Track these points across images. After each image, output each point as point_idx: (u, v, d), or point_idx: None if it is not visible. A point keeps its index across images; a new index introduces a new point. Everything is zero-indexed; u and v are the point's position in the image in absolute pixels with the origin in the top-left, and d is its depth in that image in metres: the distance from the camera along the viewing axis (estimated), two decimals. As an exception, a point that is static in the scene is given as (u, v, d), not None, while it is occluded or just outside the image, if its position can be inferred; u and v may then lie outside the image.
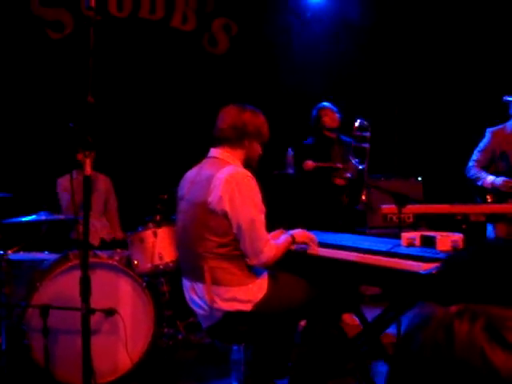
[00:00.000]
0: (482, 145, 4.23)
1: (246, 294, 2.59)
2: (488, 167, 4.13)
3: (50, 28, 5.14)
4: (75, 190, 2.49)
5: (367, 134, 4.24)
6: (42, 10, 5.09)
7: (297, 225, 2.94)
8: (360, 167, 4.18)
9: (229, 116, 2.69)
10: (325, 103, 4.65)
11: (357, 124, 4.23)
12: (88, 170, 2.10)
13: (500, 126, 4.18)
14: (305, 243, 2.83)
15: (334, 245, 2.82)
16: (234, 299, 2.58)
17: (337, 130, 4.58)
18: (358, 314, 3.27)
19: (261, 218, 2.56)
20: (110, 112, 5.13)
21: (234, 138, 2.66)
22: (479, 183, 4.11)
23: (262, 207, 2.59)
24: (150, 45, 5.45)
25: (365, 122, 4.20)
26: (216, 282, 2.58)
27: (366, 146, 4.22)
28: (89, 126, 2.05)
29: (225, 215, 2.54)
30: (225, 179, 2.54)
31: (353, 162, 4.24)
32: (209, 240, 2.57)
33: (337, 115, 4.56)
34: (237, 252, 2.58)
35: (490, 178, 4.07)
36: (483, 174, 4.13)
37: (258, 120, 2.71)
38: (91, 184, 2.17)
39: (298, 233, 2.81)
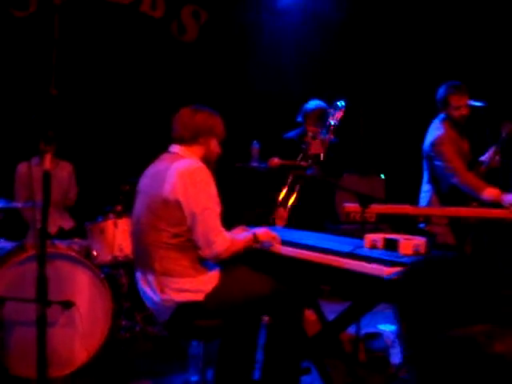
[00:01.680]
0: None
1: (196, 284, 2.59)
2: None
3: (13, 7, 4.98)
4: (34, 177, 2.43)
5: (337, 113, 4.21)
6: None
7: (260, 219, 2.93)
8: (332, 140, 4.14)
9: (182, 118, 2.77)
10: (316, 106, 4.45)
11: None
12: (47, 164, 2.05)
13: None
14: (268, 242, 2.83)
15: (296, 243, 2.81)
16: (184, 289, 2.58)
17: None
18: (317, 310, 3.29)
19: (215, 209, 2.59)
20: (75, 99, 5.05)
21: (188, 137, 2.74)
22: None
23: (216, 200, 2.62)
24: (117, 29, 5.36)
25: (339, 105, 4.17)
26: (166, 273, 2.59)
27: (333, 140, 4.21)
28: (51, 120, 1.99)
29: (178, 205, 2.56)
30: (179, 171, 2.59)
31: (326, 135, 4.18)
32: (161, 230, 2.59)
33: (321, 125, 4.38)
34: (189, 243, 2.59)
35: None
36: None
37: (212, 120, 2.77)
38: (50, 178, 2.11)
39: (261, 231, 2.81)
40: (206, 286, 2.60)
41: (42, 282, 2.14)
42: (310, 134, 4.32)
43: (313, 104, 4.48)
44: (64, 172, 4.64)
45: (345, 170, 4.87)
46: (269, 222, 4.08)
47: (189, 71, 5.59)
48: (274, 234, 2.86)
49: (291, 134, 4.63)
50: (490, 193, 3.57)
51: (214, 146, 2.80)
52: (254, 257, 2.82)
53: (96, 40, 5.27)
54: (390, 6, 6.01)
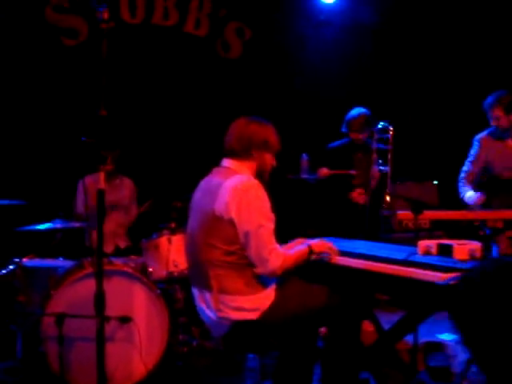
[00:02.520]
0: (471, 154, 4.20)
1: (253, 302, 2.57)
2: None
3: (64, 35, 5.16)
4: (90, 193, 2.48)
5: (388, 136, 4.20)
6: (57, 16, 5.11)
7: (313, 231, 2.91)
8: (383, 169, 4.13)
9: (235, 129, 2.72)
10: (360, 113, 4.49)
11: (379, 126, 4.18)
12: (102, 182, 2.10)
13: (486, 133, 4.17)
14: (324, 253, 2.80)
15: (350, 253, 2.80)
16: (241, 308, 2.57)
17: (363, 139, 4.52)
18: (374, 321, 3.25)
19: (268, 226, 2.55)
20: (126, 119, 5.18)
21: (240, 151, 2.68)
22: (463, 198, 4.10)
23: (270, 216, 2.59)
24: (163, 51, 5.45)
25: (386, 125, 4.16)
26: (222, 291, 2.57)
27: (389, 148, 4.18)
28: (102, 140, 2.05)
29: (231, 223, 2.54)
30: (232, 187, 2.56)
31: (376, 166, 4.19)
32: (215, 247, 2.57)
33: (366, 133, 4.45)
34: (244, 261, 2.57)
35: (468, 195, 4.06)
36: (465, 189, 4.13)
37: (265, 131, 2.72)
38: (104, 197, 2.17)
39: (317, 243, 2.78)
40: (262, 304, 2.57)
41: (100, 298, 2.20)
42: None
43: (355, 112, 4.49)
44: (126, 190, 4.75)
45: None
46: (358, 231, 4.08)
47: (235, 87, 5.63)
48: (330, 244, 2.83)
49: (336, 144, 4.65)
50: None
51: (269, 159, 2.74)
52: (309, 268, 2.80)
53: (144, 62, 5.38)
54: (429, 14, 5.92)
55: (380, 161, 4.15)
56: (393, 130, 4.14)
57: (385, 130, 4.16)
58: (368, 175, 4.24)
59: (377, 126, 4.27)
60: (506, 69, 5.47)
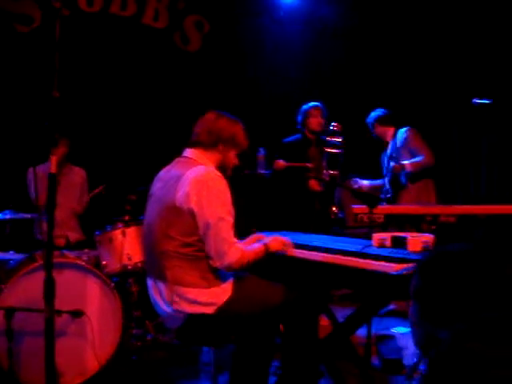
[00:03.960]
0: None
1: (208, 296, 2.55)
2: None
3: (17, 22, 5.03)
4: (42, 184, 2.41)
5: (339, 139, 4.29)
6: (10, 2, 4.98)
7: (269, 226, 2.91)
8: (331, 172, 4.24)
9: (205, 121, 2.71)
10: (317, 104, 4.72)
11: (329, 128, 4.27)
12: (53, 167, 2.04)
13: None
14: (280, 251, 2.80)
15: (306, 245, 2.81)
16: (196, 301, 2.54)
17: (318, 133, 4.68)
18: (329, 315, 3.27)
19: (228, 220, 2.53)
20: (82, 109, 5.08)
21: (208, 143, 2.67)
22: None
23: (230, 209, 2.56)
24: (121, 41, 5.38)
25: (336, 128, 4.24)
26: (177, 282, 2.54)
27: (339, 151, 4.27)
28: (55, 122, 1.99)
29: (191, 214, 2.50)
30: (194, 178, 2.52)
31: (325, 171, 4.32)
32: (173, 238, 2.54)
33: (323, 120, 4.64)
34: (200, 253, 2.54)
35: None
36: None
37: (234, 128, 2.71)
38: (55, 182, 2.11)
39: (273, 242, 2.77)
40: (218, 299, 2.55)
41: (49, 290, 2.13)
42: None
43: (311, 103, 4.70)
44: (77, 177, 4.67)
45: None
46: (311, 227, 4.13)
47: (193, 80, 5.59)
48: (286, 240, 2.83)
49: (290, 138, 4.78)
50: None
51: (233, 157, 2.73)
52: (265, 261, 2.77)
53: (102, 52, 5.30)
54: (394, 14, 6.00)
55: (328, 165, 4.28)
56: (343, 133, 4.23)
57: (335, 132, 4.24)
58: (322, 169, 4.35)
59: (329, 126, 4.36)
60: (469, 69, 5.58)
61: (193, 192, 2.49)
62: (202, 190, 2.49)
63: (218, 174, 2.59)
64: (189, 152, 2.71)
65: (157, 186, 2.70)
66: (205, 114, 2.74)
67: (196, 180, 2.51)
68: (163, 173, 2.72)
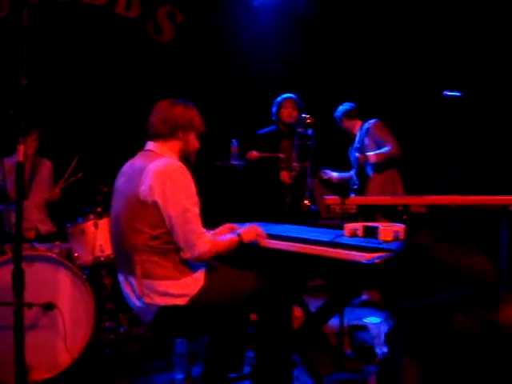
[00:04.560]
0: None
1: (180, 288, 2.54)
2: None
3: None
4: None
5: (310, 132, 4.30)
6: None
7: (242, 217, 2.91)
8: (302, 164, 4.27)
9: (160, 110, 2.69)
10: (291, 96, 4.72)
11: (301, 120, 4.28)
12: (21, 156, 2.00)
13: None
14: (254, 242, 2.80)
15: (279, 236, 2.81)
16: (167, 294, 2.53)
17: (290, 125, 4.68)
18: (302, 304, 3.28)
19: (194, 210, 2.52)
20: (51, 99, 5.00)
21: (166, 132, 2.66)
22: None
23: (195, 200, 2.55)
24: (93, 30, 5.32)
25: (307, 120, 4.26)
26: (147, 276, 2.52)
27: (309, 143, 4.28)
28: (23, 110, 1.95)
29: (156, 206, 2.49)
30: (156, 170, 2.51)
31: (294, 163, 4.36)
32: (140, 232, 2.52)
33: (296, 112, 4.65)
34: (169, 246, 2.53)
35: None
36: None
37: (190, 113, 2.70)
38: (24, 171, 2.07)
39: (246, 232, 2.77)
40: (190, 290, 2.54)
41: (18, 279, 2.09)
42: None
43: (284, 95, 4.71)
44: (45, 169, 4.60)
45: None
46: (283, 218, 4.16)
47: (166, 71, 5.55)
48: (259, 231, 2.82)
49: (264, 130, 4.78)
50: None
51: (193, 140, 2.72)
52: (238, 251, 2.77)
53: (72, 41, 5.23)
54: (365, 5, 6.03)
55: (299, 157, 4.31)
56: (314, 124, 4.24)
57: (306, 124, 4.25)
58: (292, 160, 4.39)
59: (301, 118, 4.37)
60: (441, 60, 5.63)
61: (156, 184, 2.48)
62: (165, 182, 2.48)
63: (181, 165, 2.58)
64: (150, 145, 2.69)
65: (121, 181, 2.69)
66: (157, 104, 2.72)
67: (159, 172, 2.50)
68: (126, 167, 2.71)
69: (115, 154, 4.41)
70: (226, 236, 2.73)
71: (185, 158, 2.70)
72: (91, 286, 3.46)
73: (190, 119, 2.69)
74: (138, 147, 2.77)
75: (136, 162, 2.66)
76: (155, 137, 2.68)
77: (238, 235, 2.72)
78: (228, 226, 2.96)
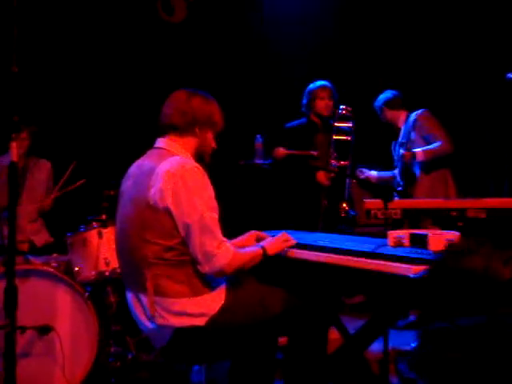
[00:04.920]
0: None
1: (198, 306, 2.54)
2: None
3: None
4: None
5: (350, 124, 4.28)
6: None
7: (269, 224, 2.91)
8: (340, 163, 4.27)
9: (176, 101, 2.72)
10: (326, 84, 4.70)
11: (338, 112, 4.26)
12: (14, 154, 2.03)
13: None
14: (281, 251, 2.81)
15: (311, 246, 2.82)
16: (183, 313, 2.53)
17: (325, 117, 4.68)
18: (338, 325, 3.27)
19: (212, 216, 2.52)
20: (48, 92, 5.07)
21: (182, 125, 2.68)
22: None
23: (213, 204, 2.55)
24: (98, 11, 5.39)
25: (345, 112, 4.24)
26: (160, 293, 2.53)
27: (349, 138, 4.26)
28: (15, 101, 1.98)
29: (168, 213, 2.50)
30: (167, 172, 2.52)
31: (332, 161, 4.36)
32: (151, 243, 2.53)
33: (332, 103, 4.65)
34: (185, 257, 2.54)
35: None
36: None
37: (210, 107, 2.73)
38: (18, 172, 2.10)
39: (272, 244, 2.77)
40: (209, 308, 2.55)
41: (10, 298, 2.12)
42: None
43: (318, 82, 4.67)
44: (43, 172, 4.66)
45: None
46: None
47: (177, 56, 5.59)
48: (286, 241, 2.83)
49: (294, 123, 4.77)
50: None
51: (210, 138, 2.75)
52: (264, 263, 2.77)
53: (77, 24, 5.31)
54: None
55: (337, 155, 4.30)
56: (354, 117, 4.22)
57: (345, 116, 4.23)
58: (329, 159, 4.38)
59: (338, 109, 4.36)
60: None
61: (167, 187, 2.49)
62: (177, 185, 2.49)
63: (197, 165, 2.59)
64: (161, 142, 2.72)
65: (127, 184, 2.70)
66: (173, 94, 2.75)
67: (170, 174, 2.51)
68: (133, 168, 2.73)
69: (122, 154, 4.46)
70: (248, 248, 2.74)
71: (199, 157, 2.73)
72: (94, 306, 3.49)
73: (210, 114, 2.71)
74: (148, 145, 2.79)
75: (145, 161, 2.68)
76: (169, 130, 2.70)
77: (262, 248, 2.71)
78: (254, 233, 2.97)
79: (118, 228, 2.74)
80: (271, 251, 2.74)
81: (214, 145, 2.78)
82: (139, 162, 2.72)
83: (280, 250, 2.79)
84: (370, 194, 4.19)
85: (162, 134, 2.72)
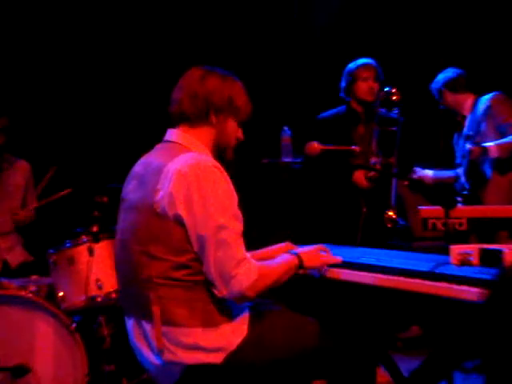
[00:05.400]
0: None
1: (214, 339, 2.52)
2: None
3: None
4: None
5: (396, 113, 4.26)
6: None
7: (298, 236, 2.89)
8: (386, 160, 4.28)
9: (188, 82, 2.71)
10: (370, 62, 4.71)
11: (384, 97, 4.31)
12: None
13: None
14: (320, 268, 2.80)
15: (352, 263, 2.81)
16: (196, 347, 2.50)
17: (369, 104, 4.67)
18: (389, 365, 3.26)
19: (233, 228, 2.49)
20: (24, 77, 5.14)
21: (194, 113, 2.67)
22: None
23: (235, 212, 2.53)
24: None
25: (394, 96, 4.21)
26: (169, 321, 2.51)
27: (396, 130, 4.23)
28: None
29: (179, 222, 2.48)
30: (178, 172, 2.50)
31: (373, 158, 4.37)
32: (158, 259, 2.51)
33: (377, 85, 4.64)
34: (199, 277, 2.51)
35: None
36: None
37: (231, 88, 2.72)
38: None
39: (309, 255, 2.75)
40: (228, 342, 2.54)
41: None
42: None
43: (360, 60, 4.70)
44: (20, 174, 4.72)
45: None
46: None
47: (191, 31, 5.62)
48: (327, 254, 2.83)
49: (329, 113, 4.80)
50: None
51: (232, 128, 2.74)
52: (293, 284, 2.77)
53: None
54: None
55: (380, 150, 4.31)
56: (403, 102, 4.20)
57: (391, 102, 4.21)
58: (372, 155, 4.37)
59: (384, 93, 4.36)
60: None
61: (178, 191, 2.48)
62: (191, 188, 2.47)
63: (214, 162, 2.58)
64: (172, 134, 2.72)
65: (130, 187, 2.71)
66: (185, 73, 2.73)
67: (182, 174, 2.49)
68: (138, 167, 2.73)
69: (121, 150, 4.48)
70: (277, 259, 2.71)
71: (219, 153, 2.73)
72: (83, 340, 3.51)
73: (230, 97, 2.69)
74: (156, 139, 2.79)
75: (151, 158, 2.68)
76: (180, 121, 2.70)
77: (297, 256, 2.69)
78: (287, 246, 2.96)
79: (117, 240, 2.75)
80: (309, 262, 2.71)
81: (240, 135, 2.79)
82: (145, 159, 2.73)
83: (318, 264, 2.77)
84: (424, 199, 4.13)
85: (174, 124, 2.72)
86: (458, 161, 4.84)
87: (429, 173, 4.77)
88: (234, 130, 2.74)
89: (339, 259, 2.81)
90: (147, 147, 2.77)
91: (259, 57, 5.74)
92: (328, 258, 2.81)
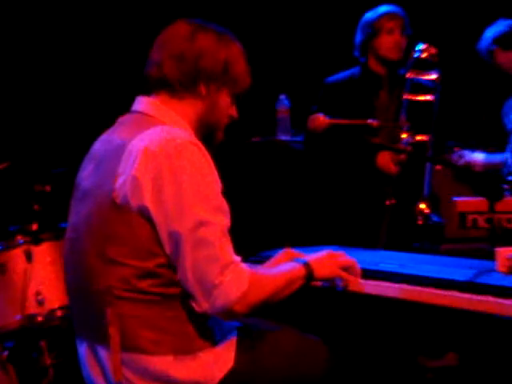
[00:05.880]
0: None
1: (191, 369, 2.52)
2: None
3: None
4: None
5: (434, 76, 4.26)
6: None
7: (301, 236, 2.89)
8: (418, 139, 4.28)
9: (173, 39, 2.71)
10: (396, 10, 4.69)
11: (415, 55, 4.30)
12: None
13: None
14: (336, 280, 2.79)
15: (373, 271, 2.84)
16: (168, 379, 2.50)
17: (394, 64, 4.67)
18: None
19: (217, 223, 2.47)
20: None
21: (179, 80, 2.66)
22: None
23: (219, 203, 2.51)
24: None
25: (427, 55, 4.22)
26: (130, 346, 2.50)
27: (432, 100, 4.22)
28: None
29: (145, 216, 2.46)
30: (145, 150, 2.47)
31: (403, 139, 4.35)
32: (118, 264, 2.49)
33: (405, 40, 4.64)
34: (172, 289, 2.50)
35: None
36: None
37: (228, 51, 2.72)
38: None
39: (320, 262, 2.75)
40: (207, 375, 2.54)
41: None
42: None
43: (382, 8, 4.71)
44: None
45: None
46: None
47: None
48: (346, 261, 2.81)
49: (341, 76, 4.80)
50: None
51: (225, 102, 2.74)
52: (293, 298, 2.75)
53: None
54: None
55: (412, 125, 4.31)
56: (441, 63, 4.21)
57: (425, 63, 4.22)
58: (399, 131, 4.36)
59: (414, 52, 4.35)
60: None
61: (145, 176, 2.46)
62: (161, 172, 2.46)
63: (193, 139, 2.57)
64: (142, 103, 2.72)
65: (86, 171, 2.70)
66: (168, 28, 2.74)
67: (150, 154, 2.47)
68: (97, 145, 2.73)
69: (72, 124, 4.49)
70: (280, 267, 2.72)
71: (205, 133, 2.73)
72: (17, 372, 3.58)
73: (227, 62, 2.68)
74: (112, 115, 2.78)
75: (113, 135, 2.67)
76: (158, 87, 2.69)
77: (306, 265, 2.67)
78: (287, 253, 2.91)
79: (67, 240, 2.73)
80: (320, 272, 2.70)
81: (233, 113, 2.80)
82: (107, 135, 2.72)
83: (332, 274, 2.77)
84: (468, 188, 4.12)
85: (148, 91, 2.71)
86: (509, 140, 4.85)
87: (479, 157, 4.78)
88: (226, 106, 2.75)
89: (358, 268, 2.80)
90: (111, 121, 2.75)
91: (248, 4, 5.79)
92: (345, 263, 2.78)
